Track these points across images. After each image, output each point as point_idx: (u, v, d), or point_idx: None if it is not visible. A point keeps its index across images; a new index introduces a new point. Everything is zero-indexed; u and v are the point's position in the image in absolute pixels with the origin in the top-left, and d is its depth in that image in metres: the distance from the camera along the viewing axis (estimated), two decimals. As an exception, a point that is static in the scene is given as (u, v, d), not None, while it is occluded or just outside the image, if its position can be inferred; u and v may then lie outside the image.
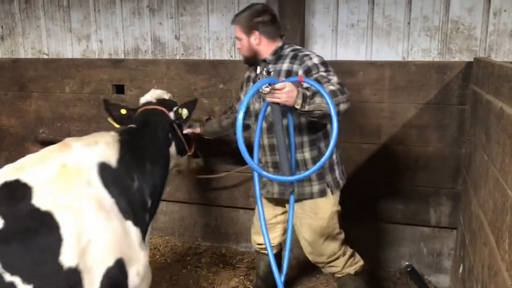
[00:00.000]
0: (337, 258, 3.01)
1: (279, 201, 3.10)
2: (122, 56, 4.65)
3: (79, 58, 4.77)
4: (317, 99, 2.36)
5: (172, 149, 2.90)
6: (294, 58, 2.78)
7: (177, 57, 4.47)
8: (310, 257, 3.07)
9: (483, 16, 3.60)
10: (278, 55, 2.85)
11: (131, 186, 2.45)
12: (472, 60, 3.47)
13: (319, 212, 2.93)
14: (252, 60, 2.91)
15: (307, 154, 2.85)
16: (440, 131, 3.61)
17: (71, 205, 2.06)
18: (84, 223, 2.08)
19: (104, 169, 2.31)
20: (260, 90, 2.28)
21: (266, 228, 2.47)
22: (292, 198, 2.64)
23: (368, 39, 3.90)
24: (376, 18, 3.84)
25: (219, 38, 4.32)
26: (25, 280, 1.88)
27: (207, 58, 4.38)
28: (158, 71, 4.22)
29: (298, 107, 2.35)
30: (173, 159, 2.92)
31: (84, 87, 4.49)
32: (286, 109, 2.43)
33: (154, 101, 2.96)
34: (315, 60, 2.71)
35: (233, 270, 4.04)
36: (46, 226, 1.98)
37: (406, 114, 3.67)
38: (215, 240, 4.47)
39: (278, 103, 2.33)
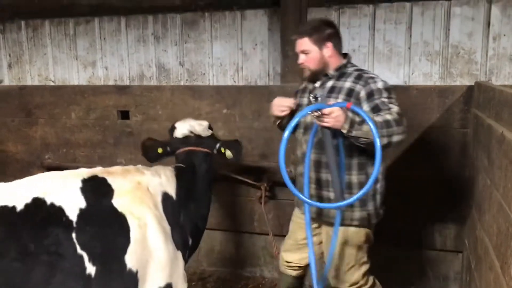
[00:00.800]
0: None
1: (313, 221, 2.91)
2: (127, 83, 4.72)
3: (85, 84, 4.85)
4: (365, 127, 2.34)
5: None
6: (358, 78, 2.68)
7: (182, 83, 4.54)
8: (332, 282, 2.97)
9: (483, 41, 3.66)
10: (341, 72, 2.75)
11: (179, 220, 2.60)
12: (473, 84, 3.50)
13: (352, 240, 2.82)
14: (318, 74, 2.78)
15: (355, 178, 2.72)
16: (443, 154, 3.62)
17: (140, 217, 2.30)
18: (147, 236, 2.27)
19: (166, 198, 2.55)
20: (310, 113, 2.36)
21: (314, 259, 2.55)
22: (338, 220, 2.63)
23: (370, 64, 3.95)
24: (377, 44, 3.91)
25: (222, 64, 4.38)
26: (91, 258, 2.07)
27: (210, 84, 4.44)
28: (163, 97, 4.27)
29: (344, 131, 2.38)
30: None
31: (89, 113, 4.55)
32: (335, 132, 2.46)
33: (192, 135, 2.93)
34: (379, 85, 2.62)
35: (238, 296, 4.03)
36: (119, 225, 2.22)
37: (408, 137, 3.66)
38: (220, 265, 4.44)
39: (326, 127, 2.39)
